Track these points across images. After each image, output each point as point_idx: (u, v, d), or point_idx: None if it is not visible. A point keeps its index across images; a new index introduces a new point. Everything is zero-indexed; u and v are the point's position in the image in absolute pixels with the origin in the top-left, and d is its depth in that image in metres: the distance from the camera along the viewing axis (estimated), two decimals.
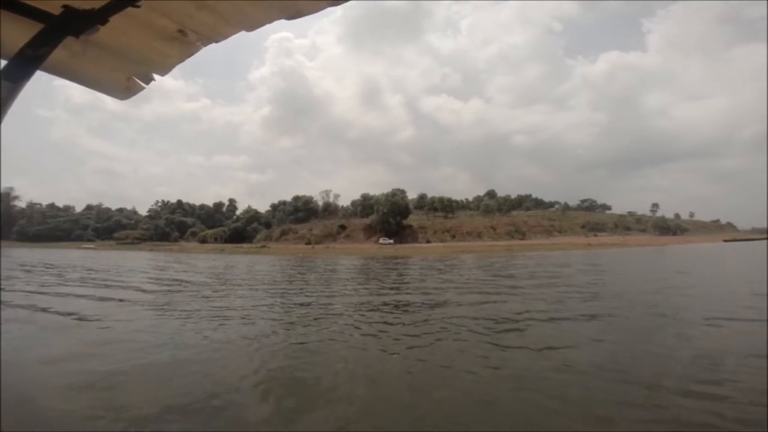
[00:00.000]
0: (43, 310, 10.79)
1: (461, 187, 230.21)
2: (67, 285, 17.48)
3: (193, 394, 4.75)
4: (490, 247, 69.04)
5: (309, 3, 1.40)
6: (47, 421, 4.18)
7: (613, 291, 13.98)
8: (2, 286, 15.68)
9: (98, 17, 1.38)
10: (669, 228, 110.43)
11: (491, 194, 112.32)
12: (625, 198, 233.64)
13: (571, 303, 11.29)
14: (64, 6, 1.35)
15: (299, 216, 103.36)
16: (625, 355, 6.19)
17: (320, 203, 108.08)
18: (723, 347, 6.44)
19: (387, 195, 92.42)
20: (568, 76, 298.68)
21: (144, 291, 15.51)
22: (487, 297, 12.92)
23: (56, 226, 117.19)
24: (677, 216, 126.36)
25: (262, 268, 31.08)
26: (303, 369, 5.79)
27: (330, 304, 12.05)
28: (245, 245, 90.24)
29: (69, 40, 1.45)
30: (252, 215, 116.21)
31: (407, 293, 14.33)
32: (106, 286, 16.97)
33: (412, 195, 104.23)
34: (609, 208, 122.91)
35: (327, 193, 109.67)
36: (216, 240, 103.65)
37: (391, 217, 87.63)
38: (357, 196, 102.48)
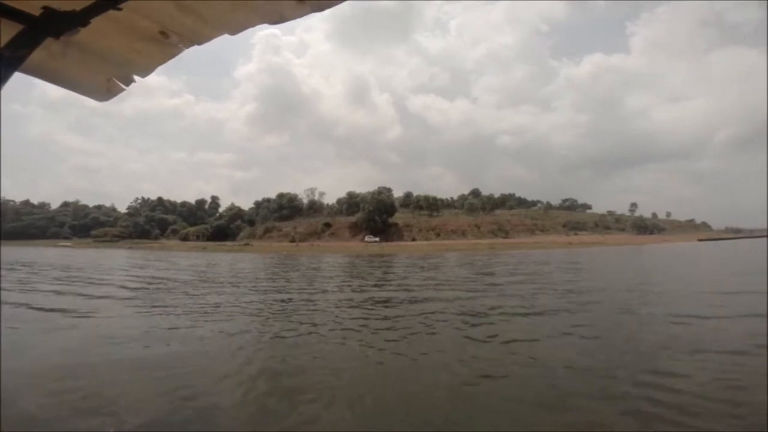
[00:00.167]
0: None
1: (449, 186, 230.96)
2: (42, 284, 17.08)
3: (176, 392, 4.82)
4: (474, 245, 69.87)
5: (291, 9, 1.41)
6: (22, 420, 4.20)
7: (588, 288, 14.45)
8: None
9: (79, 19, 1.36)
10: (647, 227, 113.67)
11: (475, 193, 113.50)
12: (606, 198, 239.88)
13: (544, 299, 11.70)
14: (44, 7, 1.33)
15: (284, 214, 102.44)
16: (588, 348, 6.53)
17: (305, 201, 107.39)
18: (681, 343, 6.73)
19: (373, 193, 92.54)
20: (553, 77, 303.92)
21: (126, 288, 15.32)
22: (465, 294, 13.23)
23: (31, 224, 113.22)
24: (655, 216, 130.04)
25: (244, 266, 30.85)
26: (282, 364, 5.94)
27: (311, 300, 12.17)
28: (228, 243, 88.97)
29: (49, 41, 1.43)
30: (235, 213, 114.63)
31: (389, 290, 14.54)
32: (85, 285, 16.66)
33: (400, 194, 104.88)
34: (589, 207, 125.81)
35: (312, 190, 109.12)
36: (198, 238, 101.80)
37: (377, 215, 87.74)
38: (344, 195, 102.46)
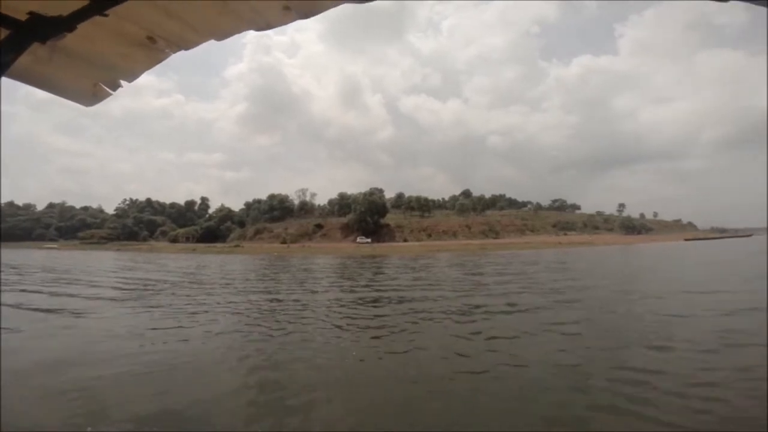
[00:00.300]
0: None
1: (440, 187, 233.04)
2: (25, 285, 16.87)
3: (167, 391, 4.92)
4: (465, 245, 70.30)
5: (278, 16, 1.43)
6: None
7: (572, 287, 14.73)
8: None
9: (65, 24, 1.37)
10: (634, 227, 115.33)
11: (466, 194, 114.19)
12: (595, 198, 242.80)
13: (528, 298, 11.95)
14: (31, 12, 1.33)
15: (274, 215, 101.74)
16: (566, 345, 6.74)
17: (296, 202, 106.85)
18: (657, 340, 6.93)
19: (365, 194, 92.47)
20: (543, 78, 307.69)
21: (116, 289, 15.20)
22: (453, 293, 13.44)
23: (15, 225, 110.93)
24: (642, 216, 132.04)
25: (234, 267, 30.70)
26: (270, 362, 6.06)
27: (301, 300, 12.25)
28: (218, 245, 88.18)
29: (35, 46, 1.44)
30: (225, 214, 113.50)
31: (379, 290, 14.67)
32: (70, 285, 16.50)
33: (391, 195, 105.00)
34: (578, 207, 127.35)
35: (303, 191, 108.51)
36: (187, 239, 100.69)
37: (368, 216, 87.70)
38: (335, 196, 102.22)
